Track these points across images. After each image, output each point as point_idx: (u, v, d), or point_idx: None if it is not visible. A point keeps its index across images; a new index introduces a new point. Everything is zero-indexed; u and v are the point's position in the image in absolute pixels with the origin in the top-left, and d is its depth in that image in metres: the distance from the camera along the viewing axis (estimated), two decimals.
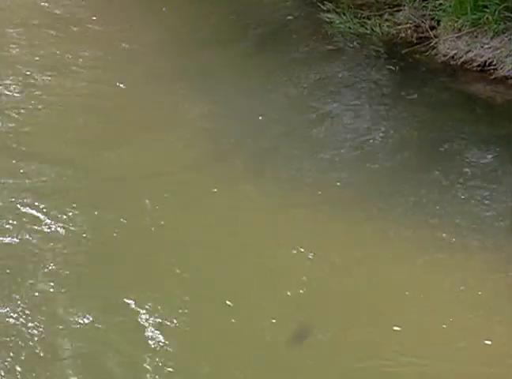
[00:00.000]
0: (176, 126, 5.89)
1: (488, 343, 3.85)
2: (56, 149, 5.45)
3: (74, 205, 4.83)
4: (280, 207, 4.91)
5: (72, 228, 4.65)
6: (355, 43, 6.67)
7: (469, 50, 6.08)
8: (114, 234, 4.65)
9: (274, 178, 5.29)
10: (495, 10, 5.99)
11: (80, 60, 6.58)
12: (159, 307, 4.09)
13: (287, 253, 4.48)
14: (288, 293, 4.20)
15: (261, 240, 4.60)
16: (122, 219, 4.74)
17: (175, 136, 5.69)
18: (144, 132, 5.73)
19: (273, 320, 4.00)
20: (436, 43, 6.28)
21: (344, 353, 3.86)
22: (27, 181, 5.09)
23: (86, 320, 3.99)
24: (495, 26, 6.01)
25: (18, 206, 4.81)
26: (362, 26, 6.66)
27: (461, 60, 6.12)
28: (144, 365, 3.78)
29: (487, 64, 6.01)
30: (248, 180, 5.22)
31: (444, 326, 3.95)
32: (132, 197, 5.00)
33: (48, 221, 4.68)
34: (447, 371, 3.72)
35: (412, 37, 6.45)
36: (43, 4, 7.51)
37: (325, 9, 6.89)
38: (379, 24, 6.60)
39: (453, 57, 6.16)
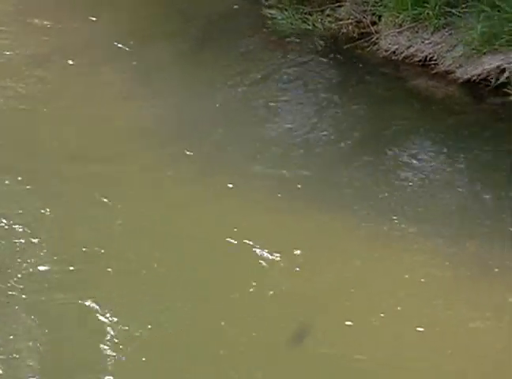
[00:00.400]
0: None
1: (421, 329, 3.90)
2: None
3: None
4: (215, 197, 4.87)
5: None
6: (297, 39, 6.62)
7: (410, 46, 6.08)
8: None
9: (217, 175, 5.21)
10: (436, 5, 6.01)
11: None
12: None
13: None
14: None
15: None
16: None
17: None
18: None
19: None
20: (378, 38, 6.26)
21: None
22: None
23: None
24: (436, 21, 6.03)
25: None
26: (304, 22, 6.61)
27: (403, 55, 6.11)
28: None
29: (428, 59, 6.02)
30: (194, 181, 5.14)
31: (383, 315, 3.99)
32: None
33: None
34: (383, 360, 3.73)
35: (353, 32, 6.42)
36: None
37: (267, 4, 6.86)
38: (321, 20, 6.57)
39: (394, 52, 6.15)
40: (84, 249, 4.43)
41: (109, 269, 4.30)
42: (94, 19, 7.04)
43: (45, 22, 6.88)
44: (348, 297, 4.15)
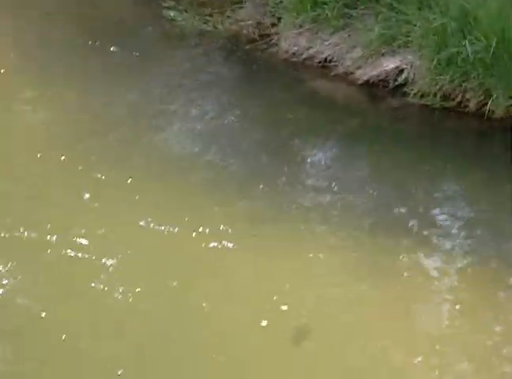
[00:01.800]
0: None
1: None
2: None
3: None
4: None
5: None
6: (197, 40, 6.53)
7: (310, 47, 6.05)
8: None
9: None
10: (334, 7, 5.99)
11: None
12: None
13: None
14: None
15: None
16: None
17: None
18: None
19: None
20: (278, 39, 6.21)
21: None
22: None
23: None
24: (335, 22, 6.01)
25: None
26: (204, 23, 6.52)
27: (303, 57, 6.07)
28: None
29: (327, 60, 5.99)
30: None
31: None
32: None
33: None
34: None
35: (254, 34, 6.34)
36: None
37: (166, 6, 6.72)
38: (221, 21, 6.48)
39: (294, 53, 6.11)
40: None
41: None
42: None
43: None
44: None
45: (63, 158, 5.10)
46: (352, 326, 3.90)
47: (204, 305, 3.99)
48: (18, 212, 4.65)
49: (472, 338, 3.87)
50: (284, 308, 3.96)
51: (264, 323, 3.85)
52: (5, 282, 4.09)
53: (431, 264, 4.39)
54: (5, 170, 5.03)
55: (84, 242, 4.36)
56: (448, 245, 4.55)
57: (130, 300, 3.97)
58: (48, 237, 4.36)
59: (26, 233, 4.41)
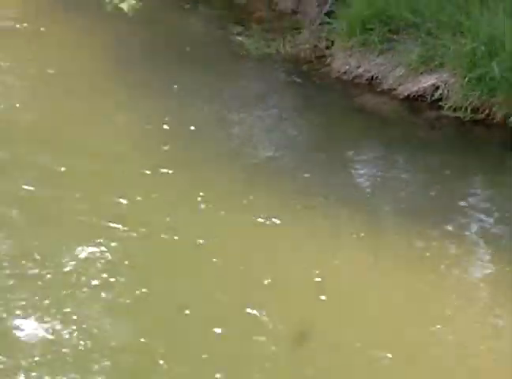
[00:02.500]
0: None
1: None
2: None
3: None
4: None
5: None
6: (261, 61, 7.55)
7: (359, 66, 7.01)
8: None
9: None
10: (379, 32, 6.98)
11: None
12: None
13: None
14: None
15: None
16: None
17: None
18: None
19: None
20: (331, 60, 7.21)
21: None
22: None
23: None
24: (380, 46, 6.98)
25: None
26: (268, 47, 7.56)
27: (352, 75, 7.04)
28: None
29: (373, 78, 6.96)
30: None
31: None
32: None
33: None
34: None
35: (310, 56, 7.35)
36: None
37: (235, 32, 7.79)
38: (283, 45, 7.50)
39: (345, 72, 7.08)
40: None
41: None
42: None
43: None
44: None
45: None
46: None
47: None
48: None
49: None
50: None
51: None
52: None
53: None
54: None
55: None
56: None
57: None
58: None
59: None
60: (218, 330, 4.18)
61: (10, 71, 7.28)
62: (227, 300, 4.47)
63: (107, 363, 4.00)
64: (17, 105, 6.63)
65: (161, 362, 3.99)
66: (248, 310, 4.38)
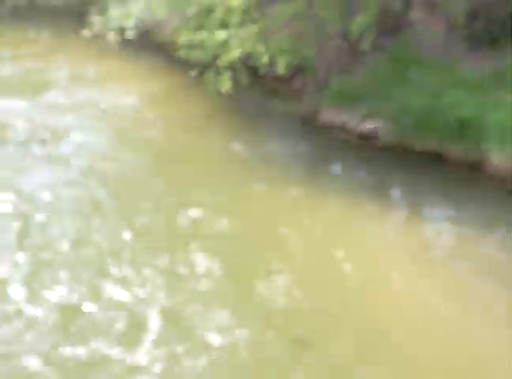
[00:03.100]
0: None
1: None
2: None
3: None
4: None
5: None
6: (285, 116, 13.48)
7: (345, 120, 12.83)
8: None
9: None
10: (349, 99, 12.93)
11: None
12: None
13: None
14: None
15: None
16: None
17: None
18: None
19: None
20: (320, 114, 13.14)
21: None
22: None
23: None
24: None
25: None
26: (288, 106, 13.54)
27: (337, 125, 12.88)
28: None
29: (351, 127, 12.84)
30: None
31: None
32: None
33: None
34: None
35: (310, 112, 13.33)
36: None
37: (272, 99, 13.97)
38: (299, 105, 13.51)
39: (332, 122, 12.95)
40: None
41: None
42: None
43: None
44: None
45: None
46: None
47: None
48: None
49: None
50: None
51: None
52: None
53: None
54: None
55: None
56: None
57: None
58: None
59: None
60: None
61: None
62: None
63: None
64: None
65: None
66: None
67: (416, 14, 13.45)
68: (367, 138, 12.39)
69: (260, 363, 6.98)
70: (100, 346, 7.02)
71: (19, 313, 7.53)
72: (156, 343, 7.11)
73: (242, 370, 6.92)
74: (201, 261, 8.54)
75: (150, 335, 7.20)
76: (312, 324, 7.57)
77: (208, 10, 12.42)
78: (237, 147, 12.10)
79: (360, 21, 12.11)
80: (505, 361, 7.08)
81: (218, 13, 12.19)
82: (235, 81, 12.20)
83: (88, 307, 7.65)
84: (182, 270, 8.41)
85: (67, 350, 6.99)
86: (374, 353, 7.15)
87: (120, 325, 7.38)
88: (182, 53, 12.59)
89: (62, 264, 8.42)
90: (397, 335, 7.43)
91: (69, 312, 7.59)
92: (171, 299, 7.86)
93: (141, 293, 7.87)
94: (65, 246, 8.81)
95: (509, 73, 12.24)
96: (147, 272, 8.29)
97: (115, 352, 6.98)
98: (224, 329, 7.34)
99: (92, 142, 12.17)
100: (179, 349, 7.06)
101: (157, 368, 6.86)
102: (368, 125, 12.46)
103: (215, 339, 7.21)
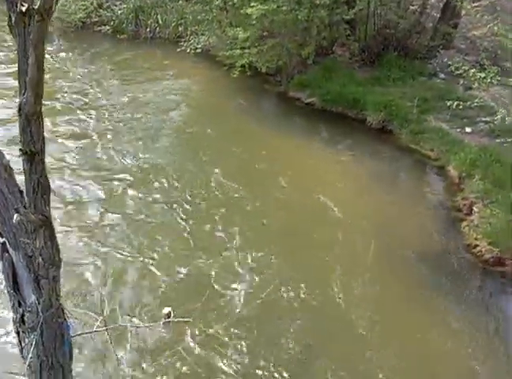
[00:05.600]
0: None
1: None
2: None
3: None
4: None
5: None
6: (271, 94, 26.91)
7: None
8: None
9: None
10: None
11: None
12: None
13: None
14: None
15: None
16: None
17: None
18: None
19: None
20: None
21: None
22: None
23: None
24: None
25: None
26: (273, 88, 26.90)
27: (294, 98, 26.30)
28: None
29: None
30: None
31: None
32: None
33: None
34: None
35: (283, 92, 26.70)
36: None
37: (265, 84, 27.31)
38: (277, 88, 26.83)
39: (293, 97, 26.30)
40: None
41: None
42: None
43: None
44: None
45: None
46: None
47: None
48: None
49: None
50: None
51: None
52: None
53: None
54: None
55: None
56: None
57: None
58: None
59: None
60: None
61: None
62: None
63: None
64: None
65: None
66: None
67: (336, 48, 27.17)
68: (310, 105, 25.76)
69: None
70: None
71: None
72: None
73: None
74: None
75: None
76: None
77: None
78: (244, 104, 25.26)
79: (307, 49, 25.54)
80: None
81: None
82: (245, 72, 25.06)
83: None
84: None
85: None
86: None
87: None
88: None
89: None
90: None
91: None
92: None
93: None
94: None
95: (381, 78, 25.92)
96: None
97: None
98: None
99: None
100: None
101: None
102: (310, 99, 25.85)
103: None
